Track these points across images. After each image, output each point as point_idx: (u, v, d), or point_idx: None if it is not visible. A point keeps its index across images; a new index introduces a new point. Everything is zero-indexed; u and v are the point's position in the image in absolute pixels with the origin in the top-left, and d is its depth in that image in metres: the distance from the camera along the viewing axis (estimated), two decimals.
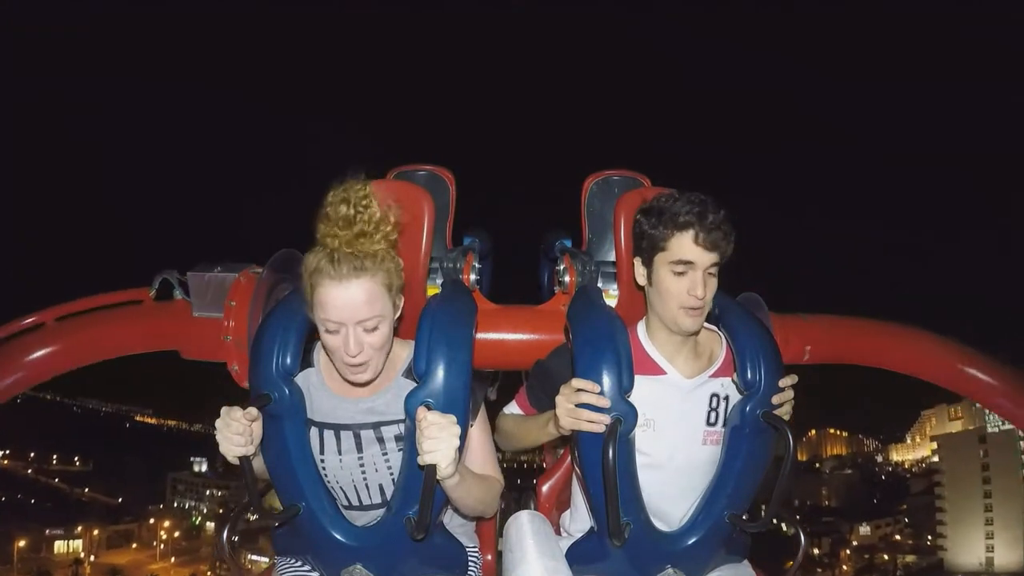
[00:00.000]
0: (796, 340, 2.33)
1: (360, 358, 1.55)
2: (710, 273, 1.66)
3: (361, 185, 1.56)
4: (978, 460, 67.43)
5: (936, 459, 74.88)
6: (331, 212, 1.52)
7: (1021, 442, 62.05)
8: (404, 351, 1.72)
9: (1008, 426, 64.32)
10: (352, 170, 1.58)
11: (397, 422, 1.64)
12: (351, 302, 1.50)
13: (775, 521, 1.69)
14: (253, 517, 1.75)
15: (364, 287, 1.51)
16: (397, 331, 1.74)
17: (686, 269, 1.65)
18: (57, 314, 2.31)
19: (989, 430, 67.11)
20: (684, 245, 1.65)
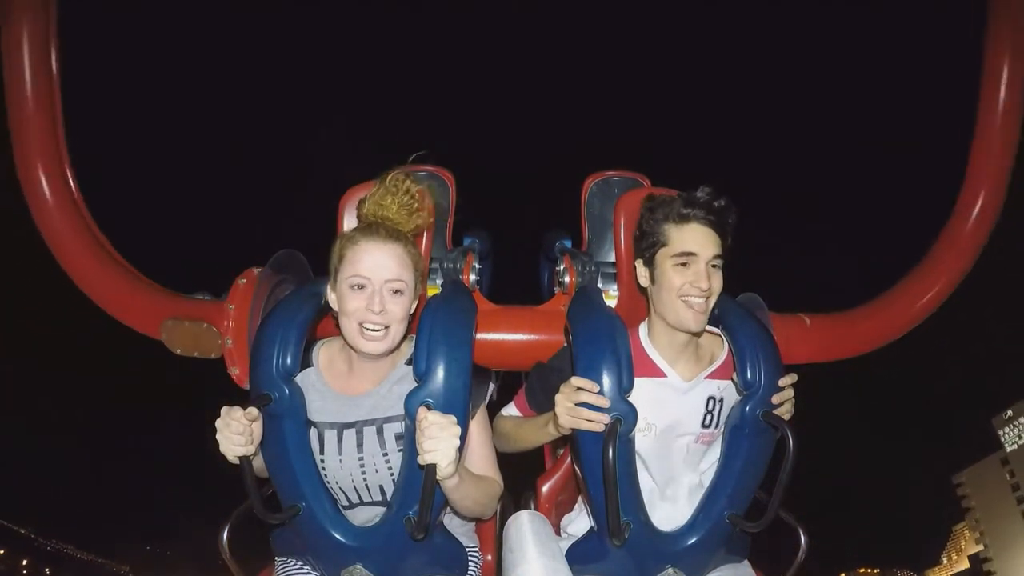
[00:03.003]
0: (797, 339, 2.33)
1: (380, 319, 1.58)
2: (713, 266, 1.67)
3: (417, 182, 1.78)
4: (1006, 483, 67.04)
5: (966, 498, 74.14)
6: (391, 183, 1.72)
7: None
8: (406, 345, 1.73)
9: None
10: (417, 159, 1.85)
11: (399, 419, 1.64)
12: (383, 260, 1.61)
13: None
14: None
15: (397, 252, 1.64)
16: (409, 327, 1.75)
17: (689, 261, 1.65)
18: (110, 248, 2.48)
19: (1008, 449, 66.70)
20: (685, 237, 1.66)
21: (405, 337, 1.75)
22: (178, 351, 2.30)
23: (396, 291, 1.62)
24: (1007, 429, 67.42)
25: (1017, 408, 66.08)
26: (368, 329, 1.59)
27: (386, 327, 1.61)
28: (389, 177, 1.74)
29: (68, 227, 2.39)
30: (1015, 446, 65.97)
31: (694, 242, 1.65)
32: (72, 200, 2.45)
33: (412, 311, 1.70)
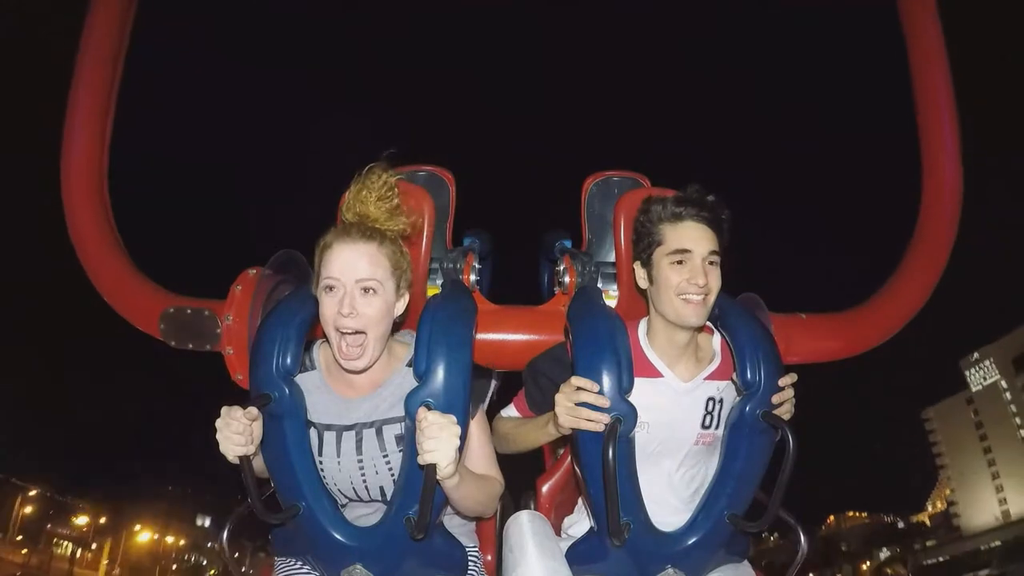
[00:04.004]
0: (797, 338, 2.34)
1: (352, 323, 1.54)
2: (710, 263, 1.67)
3: (395, 174, 1.70)
4: (971, 420, 71.23)
5: (934, 433, 78.82)
6: (367, 177, 1.65)
7: (1006, 393, 65.99)
8: (406, 346, 1.72)
9: (990, 380, 68.52)
10: (390, 156, 1.71)
11: (399, 420, 1.64)
12: (353, 258, 1.56)
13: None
14: None
15: (369, 250, 1.58)
16: (400, 327, 1.74)
17: (684, 258, 1.66)
18: (124, 252, 2.55)
19: (974, 389, 71.02)
20: (679, 234, 1.67)
21: (394, 336, 1.74)
22: (173, 343, 2.28)
23: (367, 290, 1.56)
24: (973, 371, 71.92)
25: (983, 352, 70.21)
26: (344, 333, 1.56)
27: (361, 333, 1.56)
28: (365, 170, 1.68)
29: (91, 212, 2.48)
30: (980, 387, 70.30)
31: (689, 239, 1.66)
32: (103, 196, 2.55)
33: (402, 312, 1.68)
